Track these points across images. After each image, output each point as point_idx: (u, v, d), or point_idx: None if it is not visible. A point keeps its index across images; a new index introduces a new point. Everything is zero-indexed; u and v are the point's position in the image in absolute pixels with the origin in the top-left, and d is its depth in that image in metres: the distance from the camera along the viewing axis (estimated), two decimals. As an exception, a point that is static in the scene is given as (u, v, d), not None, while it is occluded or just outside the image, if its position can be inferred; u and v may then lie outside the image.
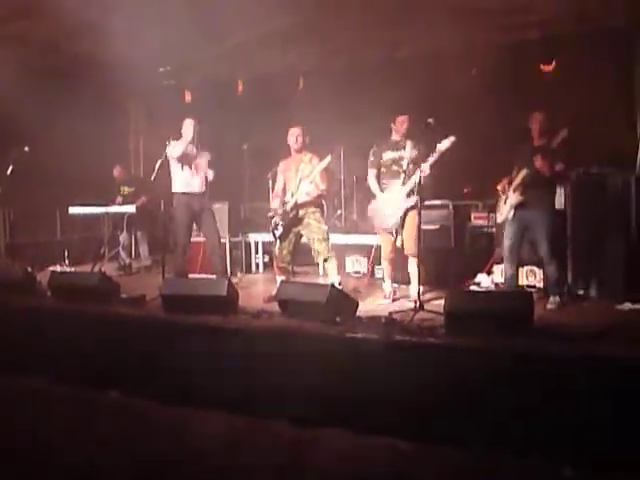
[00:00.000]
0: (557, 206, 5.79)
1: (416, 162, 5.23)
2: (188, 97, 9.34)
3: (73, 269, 7.54)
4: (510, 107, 6.87)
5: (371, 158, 5.64)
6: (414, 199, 5.22)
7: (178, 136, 6.10)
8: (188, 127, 6.13)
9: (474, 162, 7.25)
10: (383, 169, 5.54)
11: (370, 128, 7.19)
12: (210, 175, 6.24)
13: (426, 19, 6.48)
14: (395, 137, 5.53)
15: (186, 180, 6.21)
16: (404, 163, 5.40)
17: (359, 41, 7.30)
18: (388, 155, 5.51)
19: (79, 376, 4.69)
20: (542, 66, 7.36)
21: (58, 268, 7.50)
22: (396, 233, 5.45)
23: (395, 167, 5.46)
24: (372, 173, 5.62)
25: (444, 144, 5.03)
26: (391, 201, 5.40)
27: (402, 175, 5.38)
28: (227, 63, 8.10)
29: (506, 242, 5.26)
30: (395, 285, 5.78)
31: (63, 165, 7.87)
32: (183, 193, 6.20)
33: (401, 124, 5.48)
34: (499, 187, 5.31)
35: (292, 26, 6.66)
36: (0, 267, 6.97)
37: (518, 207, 5.12)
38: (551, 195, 5.27)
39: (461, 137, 6.89)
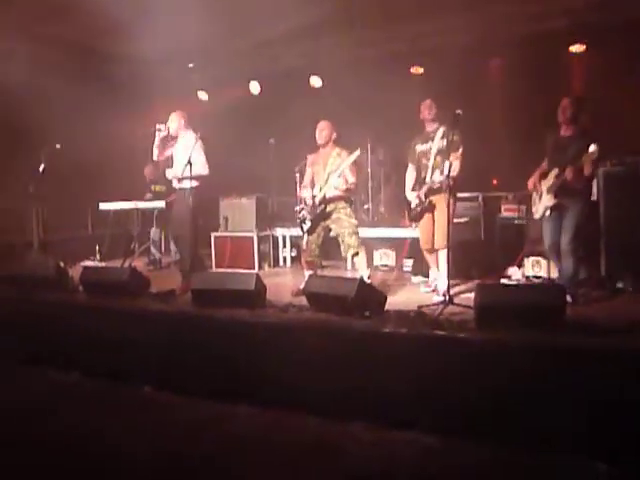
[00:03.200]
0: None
1: (444, 154, 5.14)
2: (213, 94, 9.38)
3: (104, 264, 7.64)
4: (538, 95, 6.72)
5: (409, 154, 5.65)
6: (431, 199, 5.28)
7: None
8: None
9: (502, 152, 7.14)
10: (418, 163, 5.53)
11: (397, 120, 7.14)
12: (176, 174, 5.85)
13: (448, 9, 6.37)
14: (428, 128, 5.47)
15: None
16: (431, 156, 5.35)
17: (383, 33, 7.22)
18: (419, 148, 5.51)
19: (110, 370, 4.74)
20: (571, 51, 7.20)
21: (90, 263, 7.60)
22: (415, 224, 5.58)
23: (424, 160, 5.42)
24: (410, 168, 5.65)
25: (451, 163, 4.92)
26: (415, 196, 5.48)
27: (429, 170, 5.33)
28: (252, 57, 8.09)
29: (546, 241, 5.03)
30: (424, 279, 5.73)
31: (94, 162, 7.96)
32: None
33: (427, 110, 5.40)
34: (529, 184, 5.10)
35: (316, 20, 6.61)
36: (34, 263, 7.08)
37: (553, 208, 4.88)
38: (584, 191, 4.91)
39: (488, 127, 6.82)
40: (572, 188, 4.75)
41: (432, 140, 5.37)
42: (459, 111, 4.75)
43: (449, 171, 4.86)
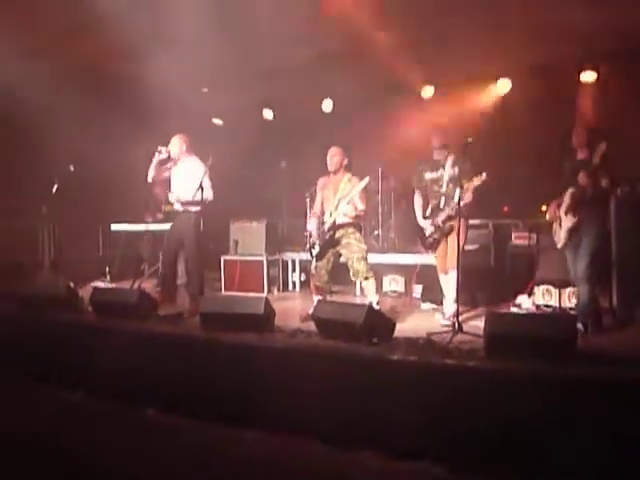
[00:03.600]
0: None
1: (455, 181, 5.17)
2: (226, 118, 9.47)
3: (114, 285, 7.67)
4: (550, 122, 6.75)
5: (414, 179, 5.70)
6: (451, 224, 5.25)
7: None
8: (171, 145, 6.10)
9: (513, 179, 7.14)
10: (427, 190, 5.58)
11: (408, 146, 7.19)
12: (179, 196, 5.96)
13: (461, 40, 6.43)
14: (436, 156, 5.51)
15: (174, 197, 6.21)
16: (443, 183, 5.40)
17: (394, 59, 7.27)
18: (428, 176, 5.56)
19: (117, 392, 4.73)
20: (582, 78, 7.22)
21: (99, 284, 7.63)
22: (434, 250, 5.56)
23: (436, 187, 5.48)
24: (417, 194, 5.70)
25: (473, 184, 4.98)
26: (430, 223, 5.49)
27: (442, 198, 5.37)
28: (263, 84, 8.17)
29: (571, 271, 5.00)
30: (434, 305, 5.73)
31: (106, 184, 8.04)
32: (173, 211, 6.26)
33: (437, 138, 5.46)
34: (550, 213, 5.06)
35: (328, 49, 6.69)
36: (45, 282, 7.13)
37: (573, 230, 4.85)
38: (601, 214, 4.94)
39: (499, 153, 6.83)
40: (588, 201, 4.73)
41: (443, 168, 5.43)
42: (470, 139, 4.79)
43: (459, 198, 4.89)
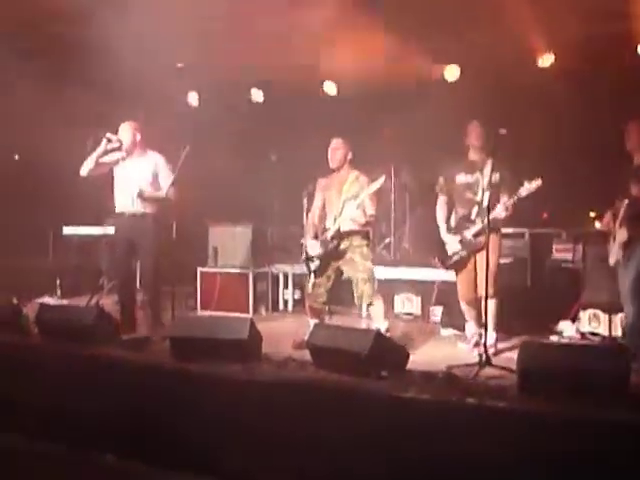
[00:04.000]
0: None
1: (494, 189, 5.17)
2: (205, 99, 9.48)
3: (66, 302, 7.67)
4: (599, 115, 6.77)
5: (440, 182, 5.68)
6: (482, 239, 5.24)
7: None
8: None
9: (555, 181, 7.14)
10: (455, 196, 5.57)
11: (428, 141, 7.20)
12: (142, 189, 5.93)
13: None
14: (472, 156, 5.51)
15: (117, 198, 6.19)
16: (479, 190, 5.38)
17: (412, 30, 7.28)
18: (461, 179, 5.55)
19: (68, 432, 4.73)
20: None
21: (48, 300, 7.63)
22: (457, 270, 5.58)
23: (469, 194, 5.46)
24: (442, 200, 5.70)
25: (526, 189, 5.04)
26: (457, 239, 5.50)
27: (475, 207, 5.38)
28: (251, 61, 8.19)
29: (621, 291, 5.05)
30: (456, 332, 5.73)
31: (59, 179, 8.03)
32: (118, 214, 6.22)
33: (475, 135, 5.46)
34: (603, 223, 5.15)
35: (331, 15, 6.70)
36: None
37: (627, 245, 4.90)
38: None
39: (537, 148, 6.85)
40: None
41: (481, 172, 5.40)
42: (503, 131, 4.80)
43: (489, 208, 4.94)
